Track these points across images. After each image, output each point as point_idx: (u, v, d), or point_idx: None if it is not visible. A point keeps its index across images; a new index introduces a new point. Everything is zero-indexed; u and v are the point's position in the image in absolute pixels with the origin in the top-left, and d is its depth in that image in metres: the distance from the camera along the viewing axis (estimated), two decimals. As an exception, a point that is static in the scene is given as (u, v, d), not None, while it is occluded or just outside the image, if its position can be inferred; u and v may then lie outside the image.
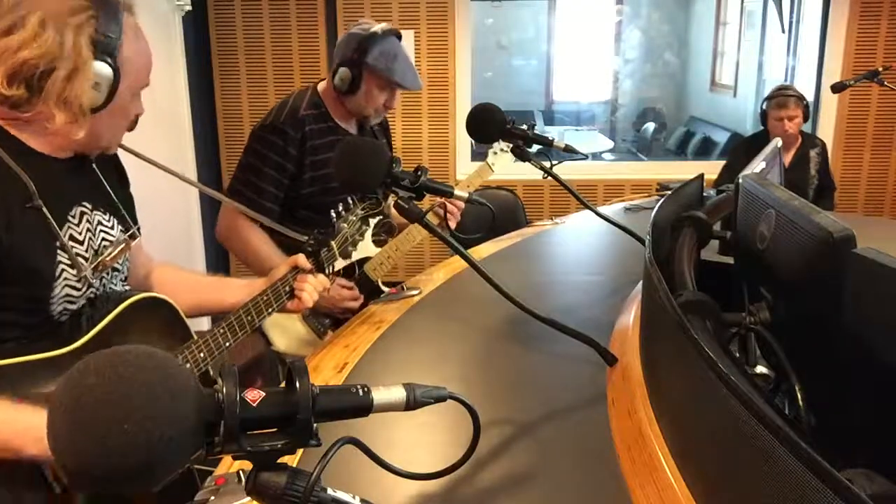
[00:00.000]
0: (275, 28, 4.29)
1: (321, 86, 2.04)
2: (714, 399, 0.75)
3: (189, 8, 3.95)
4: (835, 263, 0.84)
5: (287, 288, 1.44)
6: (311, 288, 1.45)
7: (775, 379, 1.08)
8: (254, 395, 0.57)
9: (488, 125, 1.87)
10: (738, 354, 1.19)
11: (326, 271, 1.50)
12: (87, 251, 1.17)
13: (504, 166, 2.22)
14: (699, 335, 0.84)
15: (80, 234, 1.16)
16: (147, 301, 1.24)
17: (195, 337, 1.29)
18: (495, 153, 2.21)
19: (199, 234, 4.21)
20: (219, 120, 4.43)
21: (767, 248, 1.06)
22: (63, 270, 1.12)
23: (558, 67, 8.44)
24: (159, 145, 3.68)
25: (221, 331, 1.31)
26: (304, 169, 1.93)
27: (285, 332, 1.99)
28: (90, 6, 1.07)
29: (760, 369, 1.18)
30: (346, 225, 1.54)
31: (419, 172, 1.36)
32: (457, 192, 1.43)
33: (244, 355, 2.91)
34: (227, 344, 1.32)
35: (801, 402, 0.96)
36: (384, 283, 2.05)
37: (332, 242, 1.51)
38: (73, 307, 1.15)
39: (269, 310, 1.40)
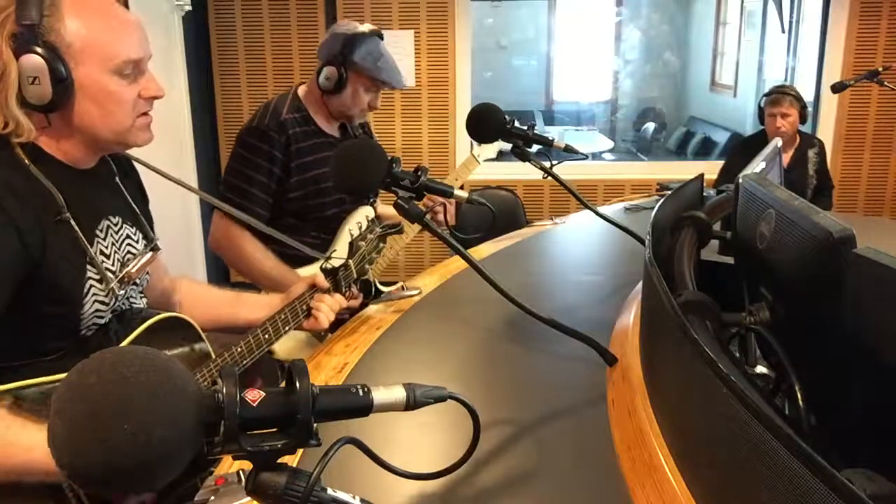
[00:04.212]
0: (275, 28, 4.29)
1: (301, 90, 2.03)
2: (714, 399, 0.75)
3: (189, 8, 3.95)
4: (835, 263, 0.84)
5: (304, 307, 1.45)
6: (328, 308, 1.47)
7: (775, 379, 1.08)
8: (254, 395, 0.57)
9: (488, 125, 1.87)
10: (738, 354, 1.19)
11: (343, 290, 1.51)
12: (113, 265, 1.17)
13: (490, 156, 2.23)
14: (699, 335, 0.84)
15: (106, 248, 1.16)
16: (170, 321, 1.25)
17: (214, 356, 1.30)
18: (479, 144, 2.21)
19: (199, 240, 4.20)
20: (219, 120, 4.43)
21: (767, 248, 1.06)
22: (92, 286, 1.12)
23: (558, 67, 8.44)
24: (159, 145, 3.65)
25: (239, 349, 1.32)
26: (291, 172, 1.92)
27: (285, 337, 1.99)
28: (11, 2, 1.01)
29: (760, 369, 1.18)
30: (364, 243, 1.55)
31: (419, 172, 1.35)
32: (457, 192, 1.43)
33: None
34: (245, 362, 1.33)
35: (801, 402, 0.96)
36: (381, 283, 2.05)
37: (350, 262, 1.52)
38: (102, 321, 1.15)
39: (287, 328, 1.42)
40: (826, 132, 4.29)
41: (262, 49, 4.31)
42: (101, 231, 1.15)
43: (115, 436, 0.49)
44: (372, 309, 1.81)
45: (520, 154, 1.87)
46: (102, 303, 1.14)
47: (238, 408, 0.55)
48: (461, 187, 1.61)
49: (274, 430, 0.59)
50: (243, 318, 1.46)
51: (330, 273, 1.49)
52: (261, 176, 1.91)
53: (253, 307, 1.48)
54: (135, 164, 1.34)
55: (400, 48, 4.20)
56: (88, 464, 0.50)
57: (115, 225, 1.20)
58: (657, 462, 0.97)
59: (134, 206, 1.27)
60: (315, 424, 0.59)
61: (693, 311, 1.01)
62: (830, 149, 4.05)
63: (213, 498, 0.79)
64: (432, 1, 4.25)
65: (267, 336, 1.38)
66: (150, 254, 1.26)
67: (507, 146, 1.92)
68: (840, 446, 0.87)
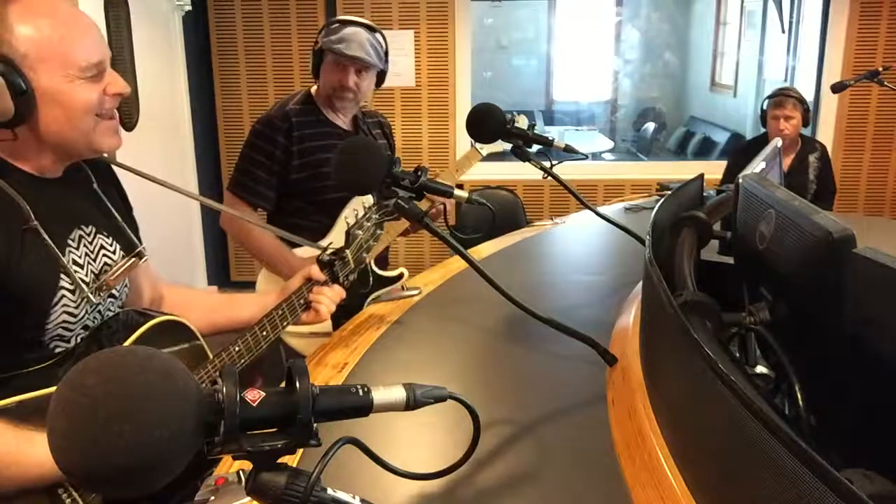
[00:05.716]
0: (275, 28, 4.29)
1: (313, 88, 2.15)
2: (714, 399, 0.75)
3: (189, 8, 3.96)
4: (835, 263, 0.84)
5: (302, 301, 1.44)
6: (328, 300, 1.44)
7: (775, 379, 1.08)
8: (254, 395, 0.57)
9: (488, 125, 1.87)
10: (738, 354, 1.19)
11: (342, 280, 1.49)
12: (87, 275, 1.14)
13: (494, 150, 2.22)
14: (699, 335, 0.84)
15: (80, 257, 1.13)
16: (166, 323, 1.24)
17: (211, 357, 1.29)
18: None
19: (199, 240, 4.21)
20: (219, 120, 4.43)
21: (767, 248, 1.06)
22: (63, 296, 1.09)
23: (558, 67, 8.43)
24: (159, 145, 3.69)
25: (237, 349, 1.31)
26: (293, 156, 2.03)
27: (298, 331, 1.99)
28: None
29: (760, 369, 1.18)
30: (360, 232, 1.53)
31: (419, 172, 1.36)
32: (457, 192, 1.43)
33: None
34: (243, 361, 1.31)
35: (801, 402, 0.96)
36: (381, 270, 2.04)
37: (347, 252, 1.50)
38: (70, 334, 1.12)
39: (285, 323, 1.40)
40: (826, 132, 4.29)
41: (262, 49, 4.32)
42: (73, 240, 1.13)
43: (114, 436, 0.49)
44: (372, 308, 1.81)
45: (520, 154, 1.87)
46: (71, 314, 1.10)
47: (238, 408, 0.55)
48: (460, 184, 1.61)
49: (274, 430, 0.59)
50: (242, 318, 1.44)
51: (326, 265, 1.47)
52: (264, 159, 2.02)
53: (250, 306, 1.46)
54: (126, 169, 1.31)
55: (400, 48, 4.20)
56: (88, 465, 0.50)
57: (88, 235, 1.17)
58: (657, 462, 0.97)
59: (115, 213, 1.24)
60: (315, 424, 0.59)
61: (693, 311, 1.00)
62: (831, 149, 4.04)
63: (213, 498, 0.79)
64: (432, 1, 4.25)
65: (265, 333, 1.36)
66: (131, 261, 1.23)
67: (508, 145, 1.92)
68: (840, 446, 0.87)
